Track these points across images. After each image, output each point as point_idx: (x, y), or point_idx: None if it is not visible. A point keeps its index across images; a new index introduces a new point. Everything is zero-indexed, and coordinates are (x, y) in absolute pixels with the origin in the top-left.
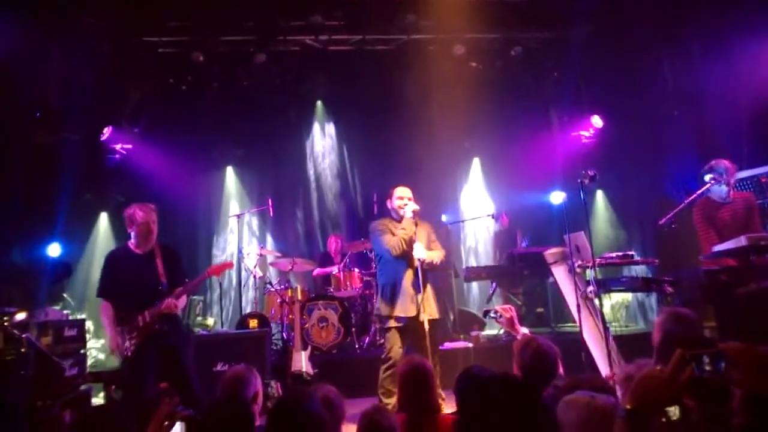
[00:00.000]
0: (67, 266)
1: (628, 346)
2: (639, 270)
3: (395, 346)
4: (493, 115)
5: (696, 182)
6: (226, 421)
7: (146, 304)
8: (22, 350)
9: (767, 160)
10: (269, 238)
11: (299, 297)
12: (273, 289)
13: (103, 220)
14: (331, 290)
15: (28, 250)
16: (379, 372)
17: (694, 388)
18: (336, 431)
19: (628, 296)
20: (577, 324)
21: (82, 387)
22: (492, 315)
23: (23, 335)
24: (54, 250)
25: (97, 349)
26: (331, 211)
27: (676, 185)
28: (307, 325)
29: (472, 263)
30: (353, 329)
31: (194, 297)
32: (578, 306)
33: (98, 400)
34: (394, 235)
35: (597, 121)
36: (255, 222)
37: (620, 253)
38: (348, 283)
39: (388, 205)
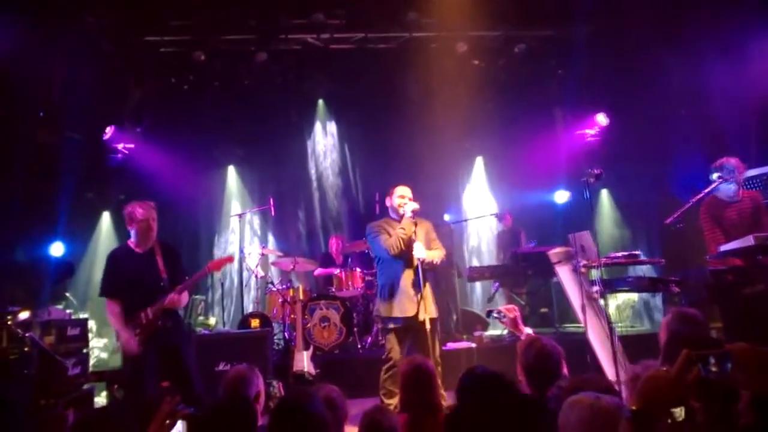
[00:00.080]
0: (70, 265)
1: (633, 346)
2: (645, 270)
3: (395, 347)
4: (496, 114)
5: (703, 181)
6: (229, 419)
7: (148, 301)
8: (26, 349)
9: None
10: (271, 238)
11: (301, 297)
12: (275, 289)
13: (106, 219)
14: (333, 290)
15: (31, 250)
16: (381, 373)
17: (700, 389)
18: (338, 431)
19: (634, 296)
20: (582, 324)
21: (85, 386)
22: (495, 315)
23: (26, 334)
24: (57, 249)
25: (99, 349)
26: (332, 211)
27: (683, 184)
28: (309, 325)
29: (475, 263)
30: (355, 329)
31: (196, 296)
32: (583, 306)
33: (101, 399)
34: (390, 235)
35: (602, 119)
36: (256, 221)
37: (626, 253)
38: (350, 282)
39: (388, 203)
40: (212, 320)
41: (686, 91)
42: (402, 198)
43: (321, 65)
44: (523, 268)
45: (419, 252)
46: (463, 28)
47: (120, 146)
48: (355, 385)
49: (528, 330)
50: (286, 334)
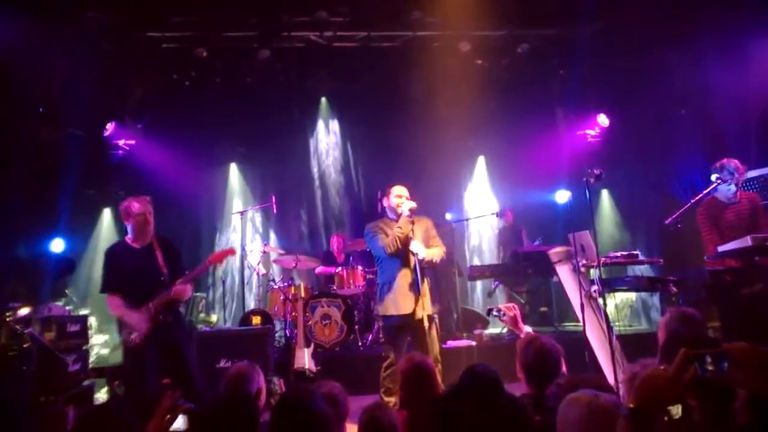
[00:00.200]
0: (71, 262)
1: (631, 345)
2: (643, 270)
3: (394, 345)
4: (499, 113)
5: (703, 182)
6: (230, 416)
7: (149, 296)
8: (26, 346)
9: None
10: (272, 235)
11: (302, 294)
12: (276, 287)
13: (107, 215)
14: (335, 288)
15: (32, 246)
16: (381, 370)
17: (698, 388)
18: (340, 428)
19: (633, 296)
20: (581, 323)
21: (85, 382)
22: (495, 313)
23: (27, 331)
24: (57, 245)
25: (99, 345)
26: (334, 209)
27: (683, 185)
28: (310, 323)
29: (476, 262)
30: (356, 327)
31: (197, 294)
32: (582, 305)
33: (101, 395)
34: (387, 235)
35: (603, 119)
36: (258, 219)
37: (625, 253)
38: (351, 280)
39: (385, 203)
40: (213, 317)
41: (687, 91)
42: (399, 197)
43: (324, 63)
44: (524, 267)
45: (417, 249)
46: (466, 27)
47: (121, 143)
48: (356, 382)
49: (527, 328)
50: (287, 331)
